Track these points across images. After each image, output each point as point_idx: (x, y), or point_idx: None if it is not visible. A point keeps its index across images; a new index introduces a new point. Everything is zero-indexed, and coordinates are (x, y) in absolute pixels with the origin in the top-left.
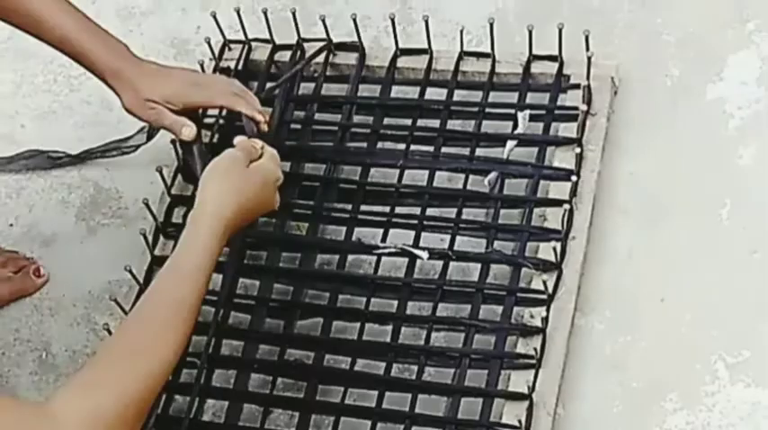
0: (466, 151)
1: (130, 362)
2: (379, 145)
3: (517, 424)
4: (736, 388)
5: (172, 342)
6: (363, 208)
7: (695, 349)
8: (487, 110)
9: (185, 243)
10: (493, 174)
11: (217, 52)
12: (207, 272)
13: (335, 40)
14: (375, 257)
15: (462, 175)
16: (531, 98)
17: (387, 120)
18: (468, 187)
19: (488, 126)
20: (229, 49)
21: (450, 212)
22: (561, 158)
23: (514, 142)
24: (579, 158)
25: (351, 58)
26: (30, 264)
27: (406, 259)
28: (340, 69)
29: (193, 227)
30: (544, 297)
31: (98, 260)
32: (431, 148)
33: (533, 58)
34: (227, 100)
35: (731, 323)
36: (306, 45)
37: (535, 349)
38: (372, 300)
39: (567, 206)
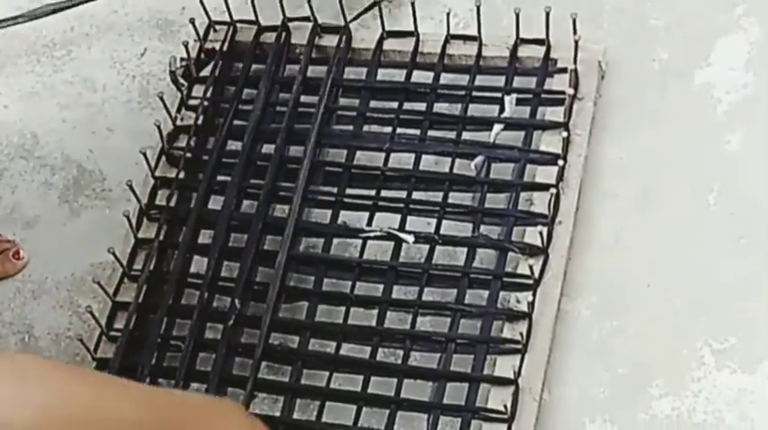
0: (452, 135)
1: None
2: (365, 128)
3: (503, 409)
4: (722, 374)
5: None
6: (349, 191)
7: (681, 335)
8: (474, 93)
9: None
10: (479, 158)
11: (202, 33)
12: None
13: (321, 21)
14: (360, 241)
15: (449, 159)
16: (517, 82)
17: (372, 103)
18: (455, 171)
19: (475, 110)
20: (215, 31)
21: (437, 196)
22: (548, 142)
23: (501, 126)
24: (566, 142)
25: (336, 41)
26: (9, 246)
27: (392, 243)
28: (326, 51)
29: None
30: (530, 282)
31: (81, 242)
32: (417, 132)
33: (520, 41)
34: None
35: (718, 309)
36: (291, 26)
37: (521, 334)
38: (358, 283)
39: (553, 190)
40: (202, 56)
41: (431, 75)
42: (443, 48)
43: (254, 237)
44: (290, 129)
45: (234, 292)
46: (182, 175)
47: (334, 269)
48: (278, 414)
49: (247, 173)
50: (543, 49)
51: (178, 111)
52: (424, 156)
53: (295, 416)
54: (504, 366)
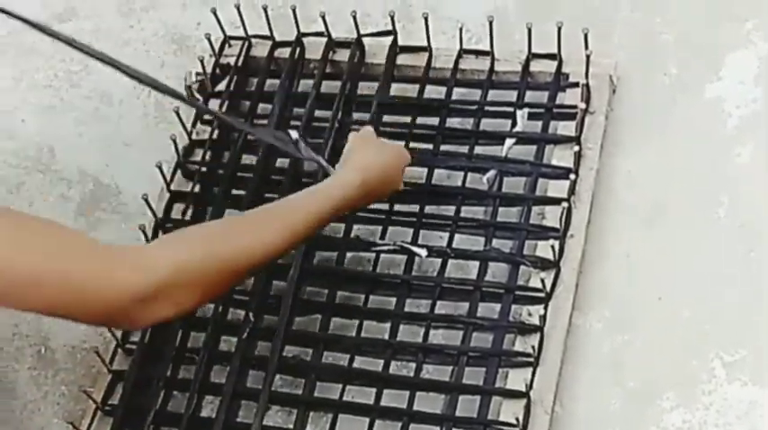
0: (465, 149)
1: (225, 236)
2: None
3: (515, 422)
4: (732, 386)
5: (265, 242)
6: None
7: (692, 348)
8: (486, 108)
9: (322, 186)
10: (492, 172)
11: (217, 49)
12: (322, 216)
13: (335, 36)
14: (374, 254)
15: (461, 173)
16: (529, 96)
17: (386, 118)
18: (467, 185)
19: (487, 124)
20: (229, 46)
21: (449, 210)
22: (560, 157)
23: (513, 140)
24: (578, 157)
25: (349, 56)
26: None
27: (405, 256)
28: (339, 66)
29: (336, 178)
30: (542, 295)
31: None
32: (430, 146)
33: (532, 56)
34: None
35: (728, 322)
36: (305, 41)
37: (533, 347)
38: (371, 297)
39: (565, 204)
40: (218, 71)
41: (443, 89)
42: (456, 62)
43: None
44: (305, 144)
45: (248, 305)
46: (197, 189)
47: (348, 282)
48: (291, 426)
49: (262, 186)
50: (555, 63)
51: (193, 125)
52: (436, 171)
53: (308, 428)
54: (515, 379)
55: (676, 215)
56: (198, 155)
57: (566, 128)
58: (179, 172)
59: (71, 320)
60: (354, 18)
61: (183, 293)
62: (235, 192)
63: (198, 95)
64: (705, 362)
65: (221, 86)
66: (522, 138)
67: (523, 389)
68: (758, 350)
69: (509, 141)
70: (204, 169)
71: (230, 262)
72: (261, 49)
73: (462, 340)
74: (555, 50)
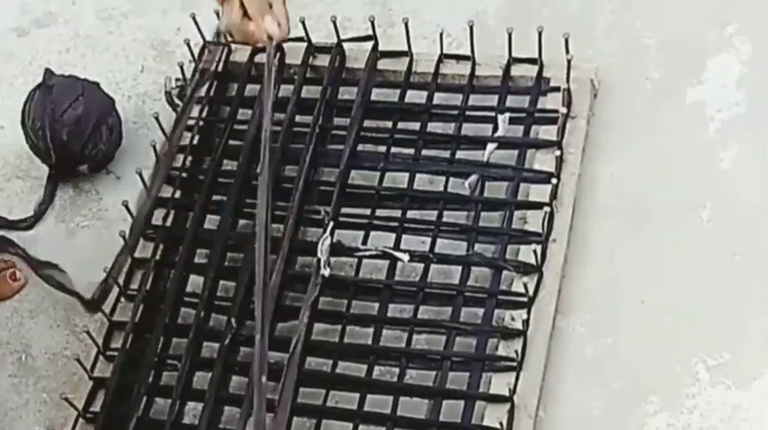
0: (446, 154)
1: None
2: (360, 147)
3: (498, 426)
4: (716, 390)
5: None
6: (344, 210)
7: (676, 351)
8: (467, 113)
9: None
10: (473, 177)
11: (197, 54)
12: None
13: (315, 41)
14: (356, 260)
15: (443, 178)
16: (510, 101)
17: (367, 123)
18: (449, 190)
19: (468, 129)
20: (209, 51)
21: (431, 215)
22: (541, 161)
23: (495, 145)
24: (559, 161)
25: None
26: (6, 267)
27: (387, 261)
28: (320, 72)
29: None
30: (525, 299)
31: (78, 262)
32: (411, 151)
33: (513, 60)
34: None
35: (712, 325)
36: (285, 46)
37: (516, 351)
38: (353, 302)
39: (547, 209)
40: (197, 76)
41: (424, 94)
42: (437, 67)
43: (250, 256)
44: (285, 149)
45: (230, 312)
46: (178, 194)
47: (330, 288)
48: None
49: (243, 192)
50: (536, 68)
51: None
52: (418, 175)
53: None
54: (499, 384)
55: (659, 219)
56: (178, 160)
57: (547, 132)
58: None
59: None
60: (334, 23)
61: None
62: (216, 197)
63: (177, 101)
64: (689, 366)
65: (201, 92)
66: (504, 143)
67: (507, 394)
68: (741, 354)
69: (490, 146)
70: (185, 175)
71: None
72: (241, 55)
73: (445, 345)
74: (536, 55)
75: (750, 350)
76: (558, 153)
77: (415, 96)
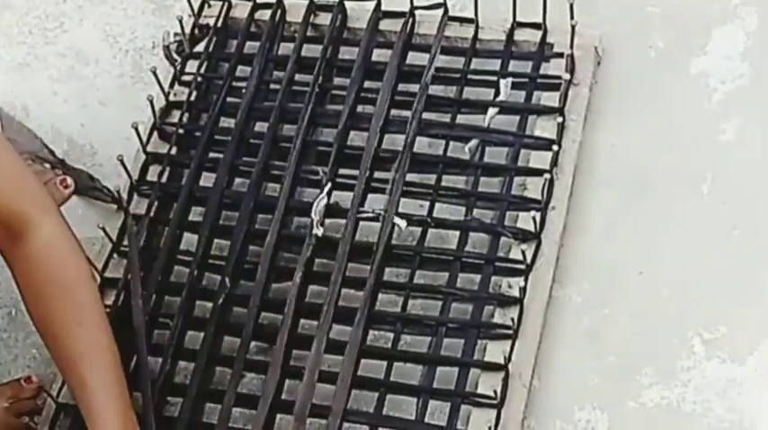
0: (447, 117)
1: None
2: (359, 108)
3: (492, 394)
4: (711, 363)
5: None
6: (342, 171)
7: (672, 324)
8: (469, 76)
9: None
10: (473, 142)
11: (196, 9)
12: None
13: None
14: (352, 222)
15: (443, 142)
16: (513, 66)
17: (367, 84)
18: (449, 154)
19: (470, 92)
20: (209, 6)
21: (430, 179)
22: (543, 127)
23: (496, 110)
24: (561, 128)
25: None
26: (55, 176)
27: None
28: (321, 30)
29: None
30: (522, 267)
31: (71, 217)
32: (411, 113)
33: (517, 25)
34: None
35: (709, 299)
36: (287, 3)
37: (512, 319)
38: (348, 264)
39: (547, 176)
40: (196, 31)
41: (426, 56)
42: (440, 29)
43: (245, 215)
44: (284, 108)
45: (224, 271)
46: (173, 151)
47: (325, 250)
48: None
49: (240, 151)
50: (540, 33)
51: (171, 86)
52: (417, 138)
53: (284, 396)
54: (494, 351)
55: (659, 190)
56: (175, 116)
57: (549, 98)
58: (155, 133)
59: None
60: None
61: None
62: (212, 155)
63: (176, 56)
64: (684, 339)
65: (200, 47)
66: (505, 108)
67: (502, 362)
68: (738, 328)
69: (492, 110)
70: (181, 131)
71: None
72: (241, 11)
73: (441, 310)
74: (540, 20)
75: (746, 324)
76: (559, 120)
77: (417, 58)
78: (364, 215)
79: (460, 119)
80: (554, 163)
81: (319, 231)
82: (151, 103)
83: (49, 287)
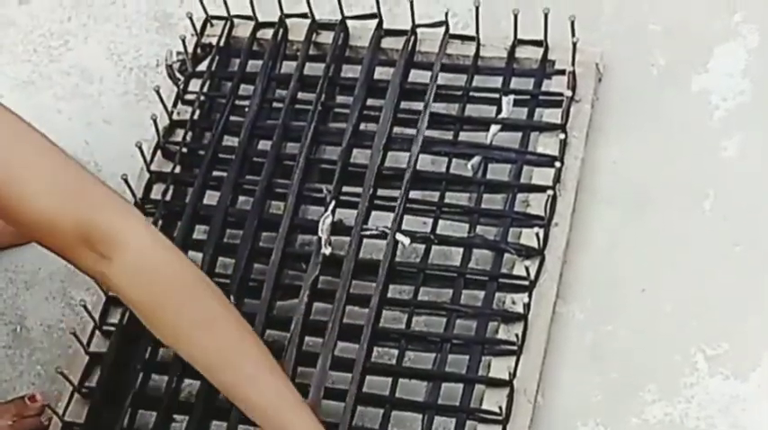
0: (449, 135)
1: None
2: (362, 126)
3: (497, 410)
4: (714, 380)
5: (225, 357)
6: (345, 189)
7: (675, 340)
8: (471, 94)
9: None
10: (476, 159)
11: (199, 28)
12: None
13: (319, 18)
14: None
15: (445, 159)
16: (515, 83)
17: (369, 101)
18: (452, 171)
19: (472, 110)
20: (211, 25)
21: (433, 196)
22: (545, 144)
23: (498, 127)
24: (563, 145)
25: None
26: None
27: (388, 242)
28: (323, 49)
29: None
30: (526, 283)
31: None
32: (414, 131)
33: (518, 42)
34: None
35: (711, 315)
36: (289, 22)
37: (516, 335)
38: (353, 282)
39: (550, 192)
40: (199, 50)
41: (428, 74)
42: (441, 47)
43: (250, 233)
44: (287, 126)
45: (229, 288)
46: (177, 170)
47: (330, 267)
48: None
49: (243, 169)
50: (541, 50)
51: (174, 105)
52: (420, 156)
53: None
54: (499, 367)
55: (661, 206)
56: (178, 135)
57: (551, 115)
58: (159, 152)
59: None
60: (339, 0)
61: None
62: (216, 173)
63: (179, 75)
64: (687, 356)
65: (203, 66)
66: (508, 125)
67: (507, 378)
68: (740, 344)
69: (494, 128)
70: (185, 150)
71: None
72: (243, 30)
73: (445, 327)
74: (541, 37)
75: (749, 341)
76: (561, 136)
77: (419, 76)
78: (368, 232)
79: (463, 136)
80: (556, 179)
81: (327, 250)
82: (155, 122)
83: (170, 294)
